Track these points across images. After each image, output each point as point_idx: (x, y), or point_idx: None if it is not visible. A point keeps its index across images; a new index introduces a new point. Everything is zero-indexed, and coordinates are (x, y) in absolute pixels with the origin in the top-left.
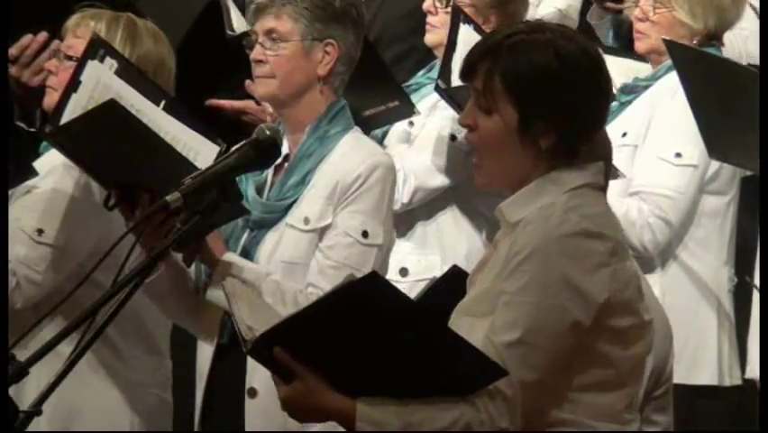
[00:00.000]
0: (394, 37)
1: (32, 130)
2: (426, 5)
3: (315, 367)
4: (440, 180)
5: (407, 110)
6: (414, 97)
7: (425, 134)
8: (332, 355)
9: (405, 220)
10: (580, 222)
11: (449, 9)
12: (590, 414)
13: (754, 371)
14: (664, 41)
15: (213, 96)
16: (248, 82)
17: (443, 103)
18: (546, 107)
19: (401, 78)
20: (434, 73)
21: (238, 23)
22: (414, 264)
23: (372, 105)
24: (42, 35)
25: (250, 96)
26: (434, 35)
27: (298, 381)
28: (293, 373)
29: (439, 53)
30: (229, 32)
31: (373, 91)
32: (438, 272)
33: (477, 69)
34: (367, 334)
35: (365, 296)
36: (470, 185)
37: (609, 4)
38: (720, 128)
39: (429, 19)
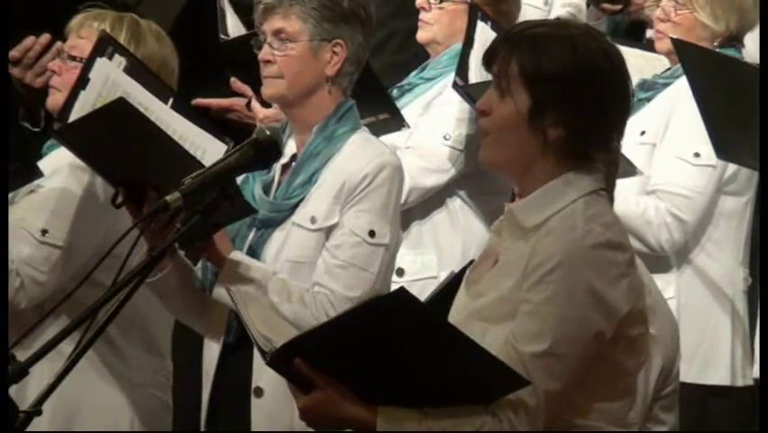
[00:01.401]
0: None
1: (36, 130)
2: (419, 2)
3: (336, 377)
4: (434, 180)
5: (397, 123)
6: (407, 98)
7: (419, 134)
8: (353, 366)
9: (400, 220)
10: (604, 232)
11: (442, 6)
12: (605, 421)
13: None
14: (672, 40)
15: (199, 94)
16: (233, 79)
17: (436, 102)
18: (558, 99)
19: (383, 62)
20: (427, 73)
21: (233, 26)
22: (410, 264)
23: (362, 116)
24: (45, 37)
25: (235, 95)
26: (426, 32)
27: (318, 390)
28: (313, 383)
29: (431, 50)
30: (223, 37)
31: (364, 103)
32: (434, 272)
33: (496, 53)
34: (391, 346)
35: (393, 310)
36: (465, 184)
37: (606, 6)
38: (728, 128)
39: (422, 15)
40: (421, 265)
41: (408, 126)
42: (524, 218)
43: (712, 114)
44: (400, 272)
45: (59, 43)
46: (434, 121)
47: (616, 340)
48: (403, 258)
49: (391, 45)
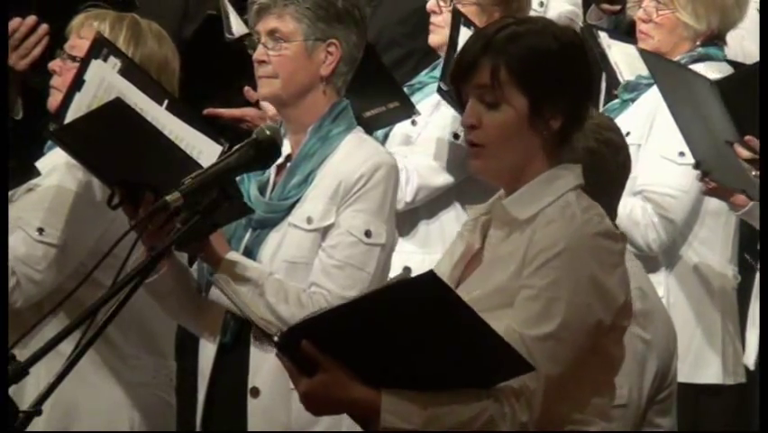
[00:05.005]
0: (390, 42)
1: (17, 119)
2: (430, 5)
3: (340, 360)
4: (443, 179)
5: (408, 110)
6: (417, 96)
7: (428, 133)
8: (359, 349)
9: (408, 219)
10: (601, 222)
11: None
12: (594, 414)
13: (748, 358)
14: (639, 50)
15: (210, 104)
16: (246, 88)
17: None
18: (554, 89)
19: (400, 82)
20: (437, 72)
21: (237, 26)
22: (417, 263)
23: (373, 106)
24: (31, 18)
25: (247, 103)
26: (438, 35)
27: (323, 373)
28: (318, 366)
29: (443, 53)
30: (228, 36)
31: (373, 92)
32: None
33: (478, 65)
34: (406, 329)
35: (420, 293)
36: (473, 183)
37: (606, 6)
38: (700, 141)
39: (433, 19)
40: (429, 264)
41: (419, 113)
42: (517, 211)
43: (684, 126)
44: (407, 271)
45: (44, 26)
46: (443, 120)
47: (611, 330)
48: (411, 257)
49: (408, 65)
